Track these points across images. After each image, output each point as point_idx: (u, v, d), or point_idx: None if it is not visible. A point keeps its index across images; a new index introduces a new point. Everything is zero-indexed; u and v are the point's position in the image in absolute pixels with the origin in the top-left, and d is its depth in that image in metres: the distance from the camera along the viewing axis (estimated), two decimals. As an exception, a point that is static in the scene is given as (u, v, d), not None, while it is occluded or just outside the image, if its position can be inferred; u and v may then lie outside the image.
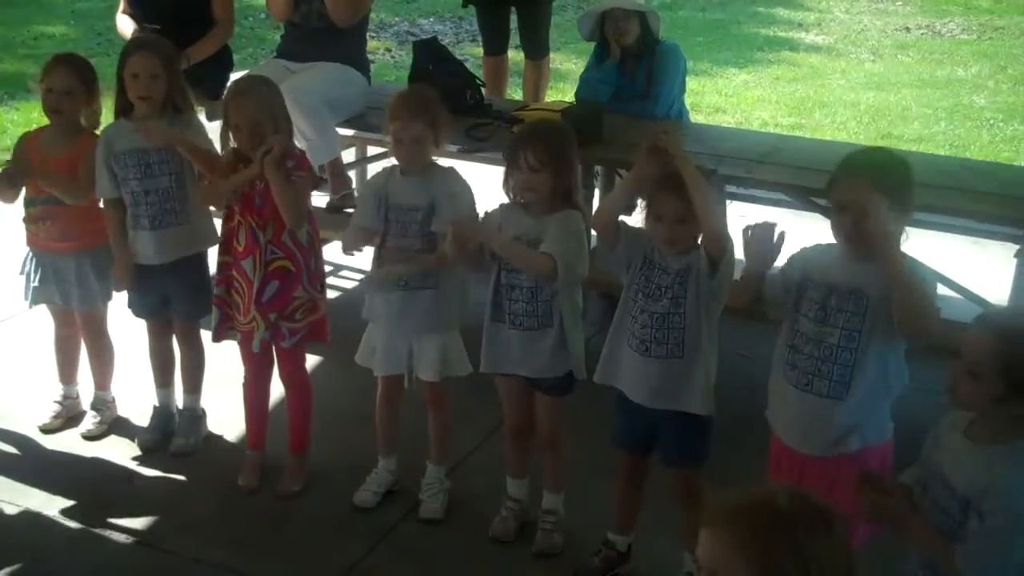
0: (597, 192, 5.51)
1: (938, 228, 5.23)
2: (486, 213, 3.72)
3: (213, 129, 4.63)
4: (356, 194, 5.77)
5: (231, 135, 3.88)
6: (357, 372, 4.02)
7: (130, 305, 4.40)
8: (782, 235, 3.12)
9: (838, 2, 15.13)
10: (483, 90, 5.85)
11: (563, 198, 3.58)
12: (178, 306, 4.34)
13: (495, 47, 7.58)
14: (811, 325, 3.06)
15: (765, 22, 13.87)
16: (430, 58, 5.86)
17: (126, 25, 5.80)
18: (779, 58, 11.90)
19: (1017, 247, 4.70)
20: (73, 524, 3.94)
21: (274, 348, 4.08)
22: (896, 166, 3.08)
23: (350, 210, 5.07)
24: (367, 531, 3.92)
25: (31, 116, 4.54)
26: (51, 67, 4.22)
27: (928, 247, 5.16)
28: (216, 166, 4.03)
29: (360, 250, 3.94)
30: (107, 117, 4.35)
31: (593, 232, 3.68)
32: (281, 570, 3.74)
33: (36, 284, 4.36)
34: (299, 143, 4.66)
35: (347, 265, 5.87)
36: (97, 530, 3.92)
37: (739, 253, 3.25)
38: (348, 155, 6.19)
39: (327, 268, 5.35)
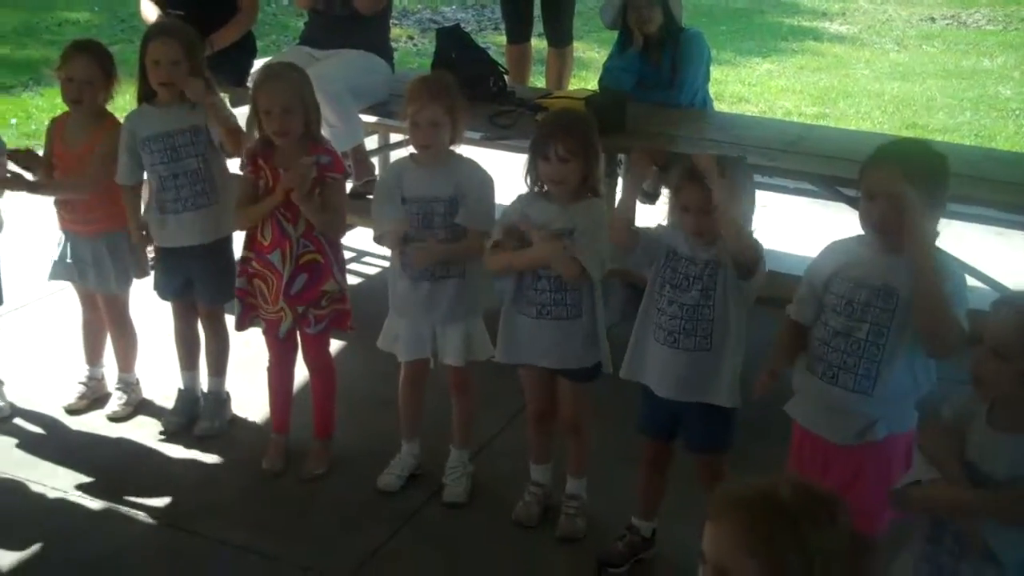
0: (620, 181, 5.49)
1: (963, 218, 5.21)
2: (507, 208, 3.72)
3: (237, 116, 4.66)
4: (378, 180, 5.78)
5: (260, 119, 3.87)
6: (380, 357, 4.03)
7: (156, 287, 4.43)
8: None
9: (862, -9, 15.07)
10: (506, 78, 5.85)
11: (588, 187, 3.59)
12: (202, 290, 4.37)
13: (518, 35, 7.57)
14: (839, 319, 3.04)
15: (789, 11, 13.82)
16: (453, 46, 5.86)
17: (150, 11, 5.82)
18: (803, 47, 11.85)
19: (1043, 237, 4.67)
20: (98, 504, 3.98)
21: (299, 333, 4.10)
22: (931, 158, 3.03)
23: (371, 196, 5.07)
24: (391, 515, 3.94)
25: (55, 102, 4.56)
26: (70, 55, 4.22)
27: (953, 237, 5.17)
28: (239, 142, 4.08)
29: (402, 247, 3.86)
30: (130, 103, 4.37)
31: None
32: (305, 553, 3.76)
33: (56, 259, 4.41)
34: (323, 130, 4.67)
35: (369, 251, 5.89)
36: (122, 510, 3.95)
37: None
38: (371, 142, 6.21)
39: (349, 255, 5.39)
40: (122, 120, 4.28)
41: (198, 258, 4.29)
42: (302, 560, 3.72)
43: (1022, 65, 11.12)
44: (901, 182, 2.89)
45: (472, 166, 3.85)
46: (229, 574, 3.69)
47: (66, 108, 4.32)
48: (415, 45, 11.37)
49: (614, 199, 5.41)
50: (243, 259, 4.06)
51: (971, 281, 4.76)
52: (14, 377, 4.65)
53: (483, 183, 3.81)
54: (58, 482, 4.08)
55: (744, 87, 9.96)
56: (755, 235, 3.31)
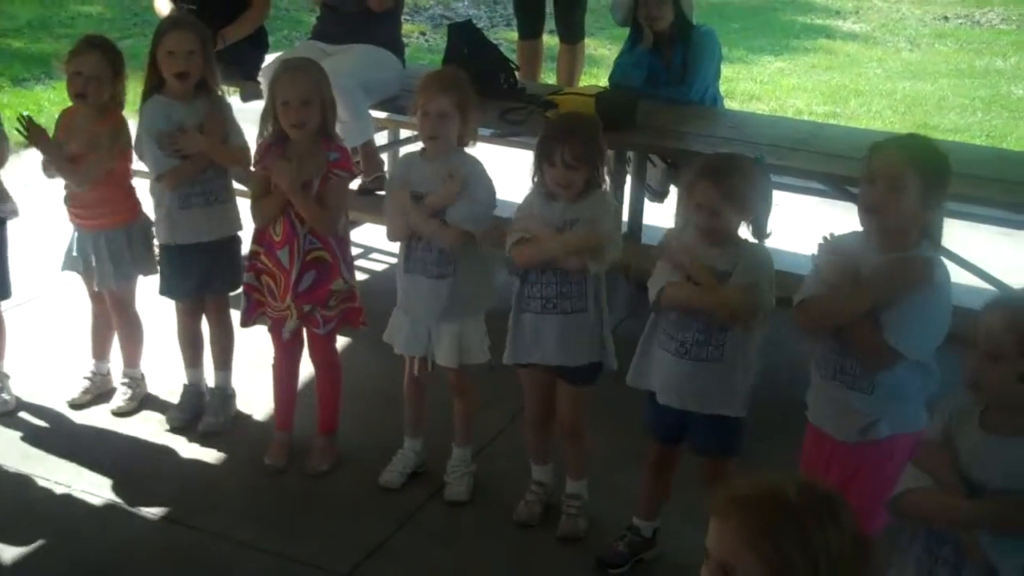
0: (628, 178, 5.48)
1: (972, 219, 5.19)
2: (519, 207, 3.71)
3: (248, 110, 4.67)
4: (388, 177, 5.78)
5: (278, 111, 3.86)
6: (386, 354, 4.03)
7: (163, 291, 4.42)
8: None
9: (876, -10, 15.02)
10: (517, 74, 5.84)
11: (593, 184, 3.59)
12: (218, 282, 4.38)
13: (530, 31, 7.57)
14: None
15: (802, 9, 13.78)
16: (465, 41, 5.85)
17: (163, 5, 5.82)
18: (815, 46, 11.81)
19: (1052, 239, 4.65)
20: (101, 499, 3.98)
21: (305, 331, 4.10)
22: (936, 152, 3.05)
23: (382, 192, 5.07)
24: (392, 512, 3.94)
25: (67, 95, 4.57)
26: (81, 50, 4.22)
27: (960, 237, 5.16)
28: (246, 158, 4.13)
29: (406, 239, 3.88)
30: (132, 96, 4.37)
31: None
32: (306, 549, 3.75)
33: (68, 250, 4.43)
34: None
35: (377, 248, 5.89)
36: (125, 506, 3.95)
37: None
38: (381, 137, 6.20)
39: (358, 251, 5.39)
40: (136, 112, 4.27)
41: (215, 252, 4.31)
42: (304, 556, 3.72)
43: (1035, 65, 11.08)
44: (903, 167, 2.90)
45: (476, 167, 3.82)
46: (232, 570, 3.68)
47: (79, 101, 4.33)
48: (427, 41, 11.36)
49: (623, 197, 5.43)
50: (252, 253, 4.06)
51: (978, 282, 4.78)
52: (20, 371, 4.66)
53: (481, 184, 3.79)
54: (62, 477, 4.09)
55: (756, 85, 9.93)
56: (769, 234, 3.31)
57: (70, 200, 4.36)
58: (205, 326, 4.51)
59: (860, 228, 3.11)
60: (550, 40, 8.02)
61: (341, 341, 4.33)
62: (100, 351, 4.64)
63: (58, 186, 4.41)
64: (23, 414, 4.50)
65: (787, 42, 11.87)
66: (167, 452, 4.29)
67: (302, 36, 9.28)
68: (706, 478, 3.50)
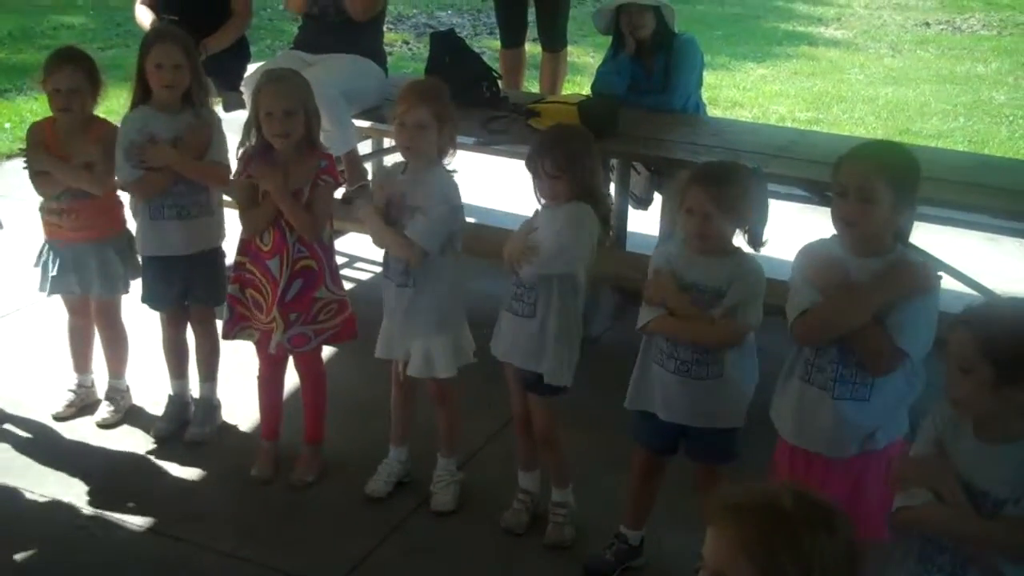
0: (612, 185, 5.49)
1: (954, 224, 5.21)
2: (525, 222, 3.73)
3: (229, 121, 4.66)
4: (371, 187, 5.78)
5: (262, 122, 3.86)
6: (371, 363, 4.03)
7: (145, 299, 4.40)
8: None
9: (858, -4, 15.10)
10: (500, 83, 5.85)
11: (585, 197, 3.58)
12: (198, 295, 4.36)
13: (512, 39, 7.58)
14: None
15: (784, 16, 13.84)
16: (447, 50, 5.86)
17: (145, 16, 5.83)
18: (798, 52, 11.86)
19: (1033, 243, 4.68)
20: (86, 511, 3.97)
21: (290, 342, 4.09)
22: (904, 157, 3.05)
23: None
24: (378, 523, 3.93)
25: (48, 107, 4.58)
26: (55, 66, 4.20)
27: (944, 242, 5.18)
28: (221, 177, 4.12)
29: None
30: (121, 107, 4.36)
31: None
32: (292, 560, 3.74)
33: (55, 274, 4.37)
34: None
35: (362, 257, 5.88)
36: (110, 517, 3.94)
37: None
38: (364, 147, 6.21)
39: (342, 260, 5.38)
40: (119, 122, 4.26)
41: (194, 266, 4.29)
42: (290, 567, 3.71)
43: (1016, 71, 11.14)
44: (873, 178, 2.90)
45: (445, 182, 3.80)
46: (217, 581, 3.68)
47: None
48: (410, 50, 11.37)
49: (608, 203, 5.43)
50: (237, 264, 4.04)
51: (963, 288, 4.80)
52: (4, 383, 4.64)
53: (444, 201, 3.76)
54: (47, 489, 4.07)
55: (738, 92, 9.96)
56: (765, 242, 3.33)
57: (54, 214, 4.32)
58: (190, 335, 4.49)
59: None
60: (533, 48, 8.04)
61: (326, 351, 4.32)
62: (82, 364, 4.62)
63: (37, 198, 4.39)
64: (7, 426, 4.48)
65: (769, 49, 11.91)
66: (152, 463, 4.28)
67: (285, 45, 9.26)
68: (700, 484, 3.52)
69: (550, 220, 3.57)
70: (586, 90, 6.17)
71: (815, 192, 4.91)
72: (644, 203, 5.85)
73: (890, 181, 2.91)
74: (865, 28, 13.29)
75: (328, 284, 4.02)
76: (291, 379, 4.27)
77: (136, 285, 4.47)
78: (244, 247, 4.02)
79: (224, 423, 4.51)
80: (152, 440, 4.39)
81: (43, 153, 4.25)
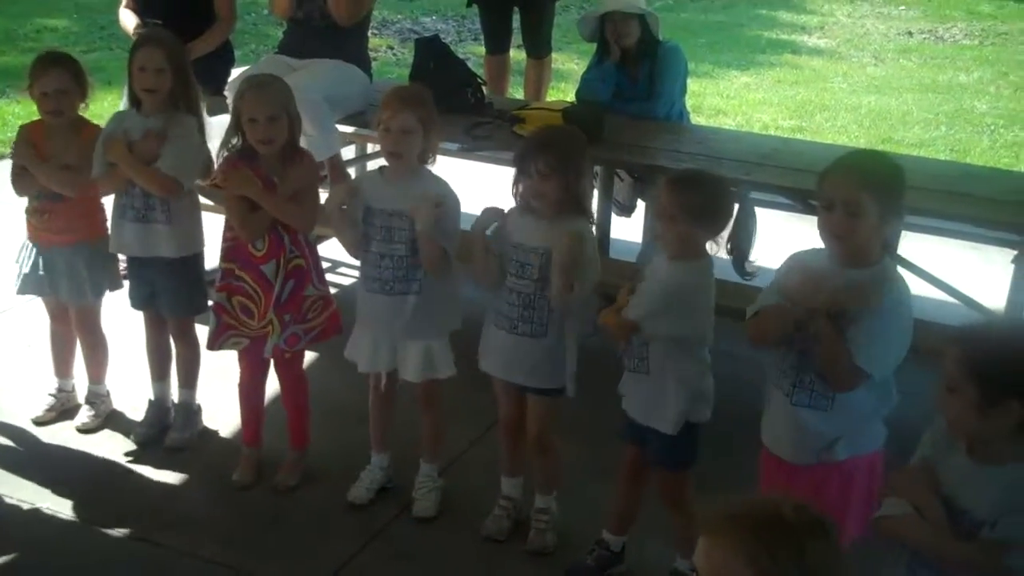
0: (596, 192, 5.50)
1: (937, 233, 5.24)
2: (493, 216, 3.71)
3: (213, 124, 4.64)
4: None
5: (245, 127, 3.85)
6: (352, 369, 4.01)
7: (129, 295, 4.40)
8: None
9: (841, 5, 15.16)
10: (484, 89, 5.85)
11: (572, 204, 3.58)
12: (165, 303, 4.33)
13: (497, 46, 7.59)
14: (796, 335, 3.02)
15: (768, 25, 13.88)
16: (432, 56, 5.85)
17: (128, 19, 5.80)
18: (781, 61, 11.91)
19: (1015, 252, 4.70)
20: (66, 517, 3.95)
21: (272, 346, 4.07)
22: (888, 167, 3.06)
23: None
24: (360, 529, 3.92)
25: (32, 108, 4.52)
26: (41, 70, 4.18)
27: (927, 251, 5.20)
28: (163, 187, 4.08)
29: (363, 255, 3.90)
30: (107, 109, 4.34)
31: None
32: (273, 566, 3.73)
33: (27, 272, 4.36)
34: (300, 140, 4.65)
35: (343, 261, 5.87)
36: (90, 523, 3.92)
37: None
38: (348, 152, 6.19)
39: (325, 264, 5.36)
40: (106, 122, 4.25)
41: (163, 271, 4.26)
42: (270, 573, 3.70)
43: (997, 80, 11.20)
44: (859, 190, 2.90)
45: (440, 184, 3.82)
46: (197, 587, 3.66)
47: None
48: (395, 55, 11.37)
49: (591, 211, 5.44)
50: (225, 271, 4.01)
51: (943, 296, 4.82)
52: (-16, 388, 4.62)
53: (450, 200, 3.78)
54: (26, 494, 4.05)
55: (722, 100, 9.99)
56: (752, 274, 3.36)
57: (39, 216, 4.31)
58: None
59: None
60: (517, 55, 8.05)
61: (307, 356, 4.31)
62: (63, 369, 4.60)
63: (18, 200, 4.37)
64: (-14, 432, 4.46)
65: (753, 57, 11.95)
66: (132, 469, 4.26)
67: (269, 50, 9.24)
68: (662, 492, 3.54)
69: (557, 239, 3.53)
70: (571, 97, 6.18)
71: (798, 200, 4.92)
72: (627, 210, 5.87)
73: (876, 193, 2.91)
74: (848, 37, 13.34)
75: (315, 282, 4.03)
76: (271, 385, 4.26)
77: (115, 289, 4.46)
78: (231, 254, 3.99)
79: (205, 428, 4.50)
80: (132, 445, 4.37)
81: (26, 151, 4.23)
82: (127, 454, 4.33)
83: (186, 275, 4.30)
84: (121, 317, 4.61)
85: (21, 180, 4.27)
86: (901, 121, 9.56)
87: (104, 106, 4.58)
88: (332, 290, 4.22)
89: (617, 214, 5.74)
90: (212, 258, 4.25)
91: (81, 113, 4.31)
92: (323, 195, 5.59)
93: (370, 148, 6.29)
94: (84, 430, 4.46)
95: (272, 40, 10.27)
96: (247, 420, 4.24)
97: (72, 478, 4.16)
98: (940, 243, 5.48)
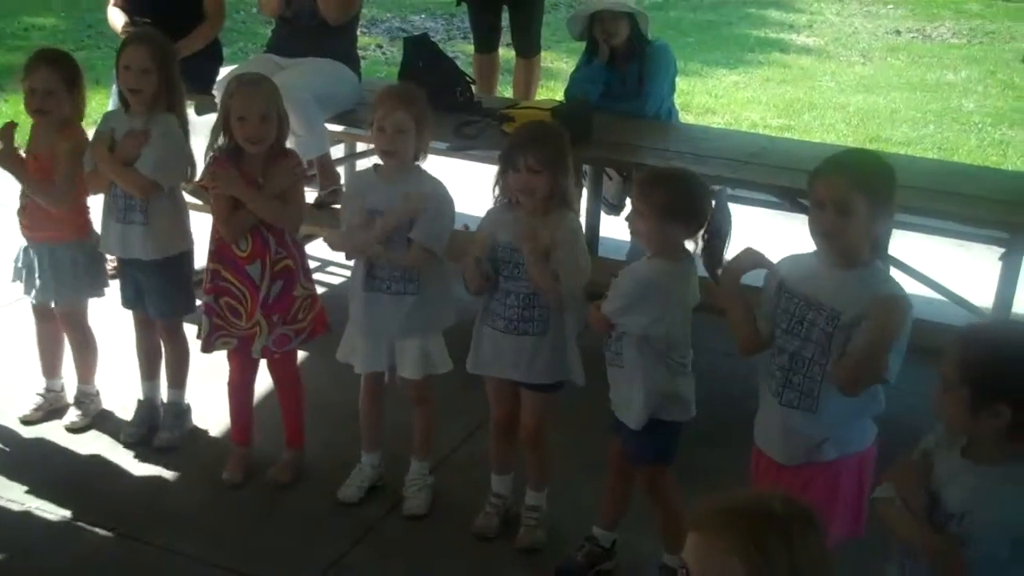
0: (585, 192, 5.51)
1: (925, 231, 5.25)
2: (478, 222, 3.71)
3: (201, 124, 4.64)
4: (344, 193, 5.77)
5: (234, 126, 3.84)
6: (342, 367, 4.02)
7: (120, 294, 4.39)
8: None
9: (829, 4, 15.18)
10: (473, 88, 5.85)
11: (558, 200, 3.58)
12: (151, 304, 4.31)
13: (486, 45, 7.59)
14: (787, 337, 3.04)
15: (756, 23, 13.90)
16: (421, 55, 5.86)
17: (117, 18, 5.79)
18: (770, 59, 11.92)
19: (1002, 250, 4.72)
20: (55, 516, 3.94)
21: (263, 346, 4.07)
22: (879, 166, 3.06)
23: (338, 206, 5.07)
24: (350, 527, 3.92)
25: (20, 108, 4.52)
26: (32, 66, 4.17)
27: (915, 249, 5.22)
28: (140, 187, 4.06)
29: (353, 254, 3.91)
30: (98, 110, 4.34)
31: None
32: (263, 565, 3.73)
33: (19, 266, 4.38)
34: (289, 139, 4.66)
35: (332, 261, 5.87)
36: (79, 523, 3.91)
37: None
38: (337, 151, 6.19)
39: (314, 264, 5.36)
40: (94, 125, 4.25)
41: (147, 272, 4.25)
42: (260, 572, 3.70)
43: (985, 79, 11.23)
44: (849, 190, 2.90)
45: (434, 183, 3.83)
46: (187, 586, 3.66)
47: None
48: (384, 54, 11.35)
49: (579, 209, 5.45)
50: (212, 272, 4.00)
51: (931, 294, 4.84)
52: (-28, 387, 4.60)
53: (442, 201, 3.79)
54: (14, 494, 4.04)
55: (711, 98, 10.00)
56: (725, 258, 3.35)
57: (26, 215, 4.31)
58: (162, 339, 4.47)
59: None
60: (507, 54, 8.05)
61: (298, 355, 4.30)
62: (51, 369, 4.59)
63: (11, 198, 4.36)
64: (-26, 431, 4.44)
65: (742, 56, 11.96)
66: (121, 468, 4.25)
67: (258, 48, 9.23)
68: (642, 485, 3.56)
69: (555, 236, 3.53)
70: (560, 95, 6.19)
71: (786, 198, 4.93)
72: (616, 208, 5.87)
73: (867, 193, 2.91)
74: (836, 36, 13.37)
75: (302, 281, 4.03)
76: (261, 384, 4.26)
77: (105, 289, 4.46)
78: (217, 255, 3.99)
79: (195, 427, 4.49)
80: (122, 445, 4.36)
81: (8, 146, 4.22)
82: (116, 454, 4.32)
83: (171, 276, 4.27)
84: (111, 316, 4.60)
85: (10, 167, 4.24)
86: (889, 120, 9.58)
87: (92, 106, 4.56)
88: (320, 289, 4.23)
89: (606, 213, 5.74)
90: (202, 258, 4.24)
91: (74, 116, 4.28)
92: (311, 195, 5.66)
93: (360, 147, 6.29)
94: (73, 430, 4.44)
95: (261, 38, 10.25)
96: (236, 419, 4.23)
97: (61, 478, 4.16)
98: (928, 241, 5.50)
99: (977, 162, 8.01)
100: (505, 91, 8.24)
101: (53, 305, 4.43)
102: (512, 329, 3.62)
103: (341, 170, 6.09)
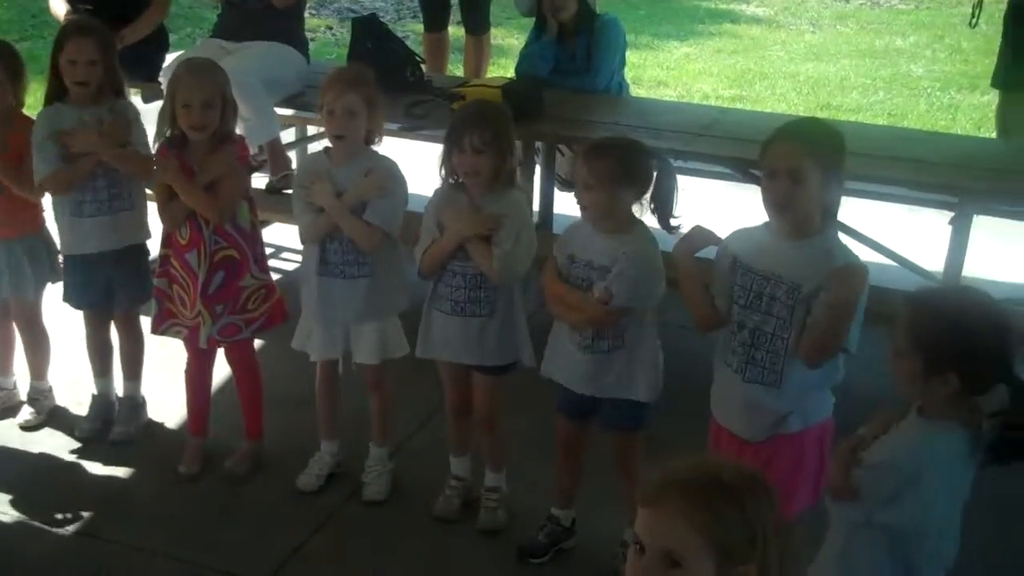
0: (538, 168, 5.49)
1: (876, 197, 5.28)
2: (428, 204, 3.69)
3: (149, 111, 4.57)
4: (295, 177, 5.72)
5: (179, 113, 3.79)
6: (299, 355, 3.99)
7: (67, 298, 4.31)
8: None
9: (778, -27, 15.22)
10: (423, 67, 5.81)
11: (504, 180, 3.57)
12: (121, 294, 4.27)
13: (435, 23, 7.55)
14: (746, 312, 3.05)
15: (706, -6, 13.91)
16: (368, 36, 5.80)
17: (59, 6, 5.70)
18: (720, 30, 11.94)
19: (952, 214, 4.75)
20: (11, 516, 3.89)
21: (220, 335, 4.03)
22: (830, 133, 3.08)
23: (290, 191, 5.02)
24: (310, 515, 3.90)
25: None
26: None
27: (866, 215, 5.25)
28: (145, 166, 4.02)
29: (320, 239, 3.83)
30: (32, 101, 4.27)
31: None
32: (223, 556, 3.70)
33: None
34: (237, 125, 4.62)
35: (287, 247, 5.83)
36: (36, 522, 3.86)
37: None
38: (288, 135, 6.14)
39: (268, 250, 5.32)
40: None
41: (116, 263, 4.20)
42: (220, 564, 3.67)
43: (933, 44, 11.31)
44: (802, 157, 2.91)
45: (387, 164, 3.79)
46: (147, 581, 3.63)
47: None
48: (334, 35, 11.26)
49: (532, 187, 5.43)
50: (163, 257, 3.98)
51: (883, 260, 4.86)
52: (-78, 387, 4.53)
53: (400, 184, 3.76)
54: (-31, 494, 4.00)
55: (662, 71, 10.00)
56: (677, 228, 3.35)
57: None
58: (114, 333, 4.41)
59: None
60: (457, 32, 8.00)
61: (255, 344, 4.27)
62: (3, 366, 4.53)
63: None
64: (-74, 432, 4.38)
65: (692, 27, 11.98)
66: (78, 464, 4.21)
67: (206, 34, 9.12)
68: (616, 454, 3.55)
69: (501, 231, 3.52)
70: (511, 72, 6.16)
71: (739, 169, 4.94)
72: (569, 185, 5.84)
73: (818, 159, 2.93)
74: (786, 5, 13.41)
75: (253, 271, 3.98)
76: (219, 374, 4.22)
77: (54, 288, 4.39)
78: (167, 240, 3.97)
79: (151, 420, 4.45)
80: (77, 441, 4.32)
81: None
82: (72, 451, 4.27)
83: (140, 262, 4.28)
84: (60, 312, 4.53)
85: None
86: (839, 87, 9.63)
87: (35, 98, 4.49)
88: (276, 276, 4.19)
89: (560, 189, 5.73)
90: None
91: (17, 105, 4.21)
92: (262, 180, 5.61)
93: (311, 130, 6.23)
94: (27, 427, 4.39)
95: (208, 23, 10.10)
96: (193, 409, 4.20)
97: (16, 476, 4.11)
98: (879, 207, 5.52)
99: (927, 127, 8.09)
100: (456, 69, 8.19)
101: (5, 301, 4.36)
102: (460, 311, 3.61)
103: (293, 154, 6.04)
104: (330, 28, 11.55)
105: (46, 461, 4.23)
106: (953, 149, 5.12)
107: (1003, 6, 5.76)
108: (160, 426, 4.44)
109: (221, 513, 3.93)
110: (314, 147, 5.73)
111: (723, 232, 3.19)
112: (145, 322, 4.25)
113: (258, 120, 5.31)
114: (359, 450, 4.06)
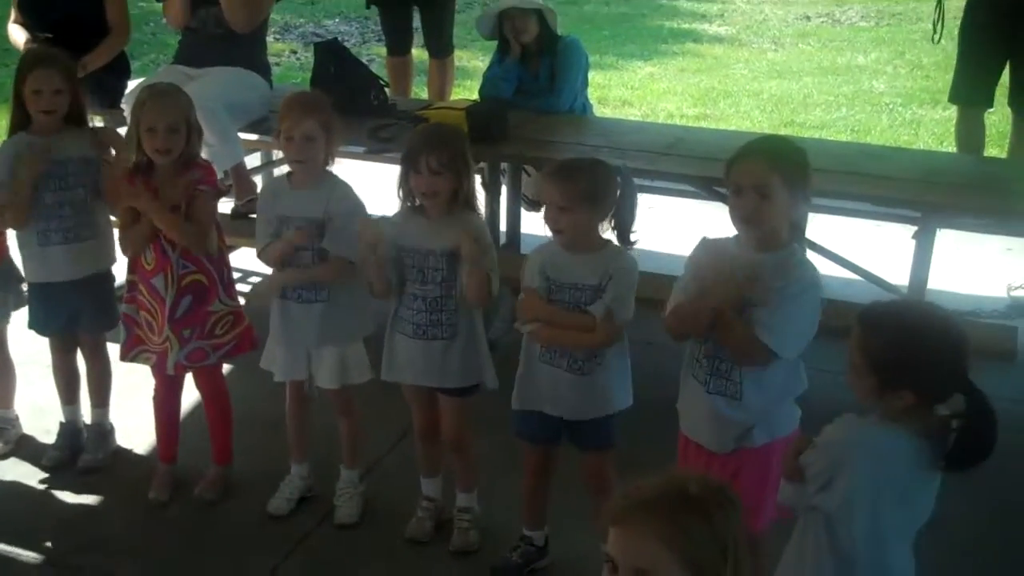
0: (504, 189, 5.51)
1: (840, 212, 5.33)
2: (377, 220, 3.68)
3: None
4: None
5: (143, 137, 3.78)
6: (269, 379, 3.97)
7: (32, 325, 4.28)
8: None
9: (739, -8, 15.35)
10: (387, 90, 5.83)
11: (461, 201, 3.58)
12: (87, 321, 4.25)
13: (398, 47, 7.58)
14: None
15: (669, 14, 14.01)
16: (332, 60, 5.81)
17: (19, 35, 5.68)
18: (684, 50, 12.02)
19: (915, 228, 4.80)
20: (-22, 547, 3.86)
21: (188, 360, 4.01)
22: (793, 149, 3.12)
23: (255, 215, 5.01)
24: (281, 539, 3.88)
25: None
26: None
27: (831, 230, 5.29)
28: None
29: (281, 265, 3.84)
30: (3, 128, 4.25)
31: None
32: (195, 583, 3.69)
33: None
34: (202, 150, 4.61)
35: (255, 271, 5.81)
36: (3, 551, 3.82)
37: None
38: (253, 160, 6.12)
39: (235, 275, 5.30)
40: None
41: (82, 291, 4.17)
42: (193, 591, 3.65)
43: (894, 60, 11.42)
44: (768, 174, 2.95)
45: (345, 190, 3.80)
46: (118, 610, 3.60)
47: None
48: (298, 59, 11.25)
49: (499, 207, 5.45)
50: (129, 283, 3.96)
51: (848, 275, 4.90)
52: None
53: (352, 208, 3.77)
54: (-65, 526, 3.95)
55: (627, 91, 10.05)
56: (635, 243, 3.36)
57: None
58: (81, 360, 4.38)
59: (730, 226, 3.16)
60: (421, 55, 8.02)
61: (223, 367, 4.25)
62: (-32, 395, 4.48)
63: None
64: None
65: (656, 47, 12.05)
66: (46, 493, 4.17)
67: (169, 60, 9.12)
68: (591, 473, 3.55)
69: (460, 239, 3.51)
70: (475, 95, 6.19)
71: (703, 188, 4.97)
72: (536, 205, 5.87)
73: (784, 175, 2.97)
74: (747, 23, 13.52)
75: (222, 297, 3.96)
76: (187, 399, 4.20)
77: (18, 316, 4.35)
78: (132, 265, 3.95)
79: (119, 447, 4.42)
80: (44, 470, 4.28)
81: None
82: (40, 480, 4.23)
83: (105, 289, 4.26)
84: (25, 340, 4.49)
85: None
86: (802, 104, 9.71)
87: (3, 123, 4.46)
88: (241, 300, 4.18)
89: (526, 209, 5.75)
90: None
91: None
92: (227, 205, 5.60)
93: (276, 155, 6.22)
94: (-7, 457, 4.35)
95: (171, 49, 10.02)
96: (162, 435, 4.18)
97: (-17, 507, 4.07)
98: (844, 222, 5.57)
99: (889, 142, 8.16)
100: (420, 92, 8.21)
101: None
102: (421, 334, 3.61)
103: (259, 179, 6.02)
104: (295, 52, 11.55)
105: (13, 490, 4.19)
106: (916, 164, 5.18)
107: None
108: (129, 453, 4.41)
109: (191, 539, 3.90)
110: (279, 171, 5.72)
111: (689, 249, 3.21)
112: (113, 349, 4.22)
113: (222, 146, 5.30)
114: (330, 472, 4.05)
